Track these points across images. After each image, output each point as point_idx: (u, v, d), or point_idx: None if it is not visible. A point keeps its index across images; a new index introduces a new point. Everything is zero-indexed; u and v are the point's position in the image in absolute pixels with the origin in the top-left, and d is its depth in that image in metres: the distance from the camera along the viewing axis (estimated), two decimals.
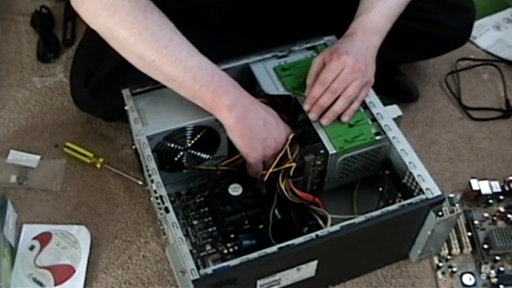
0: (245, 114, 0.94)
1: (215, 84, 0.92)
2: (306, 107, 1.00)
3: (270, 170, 0.97)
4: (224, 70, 1.05)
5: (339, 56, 0.98)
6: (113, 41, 0.91)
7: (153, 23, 0.89)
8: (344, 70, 0.97)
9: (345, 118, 1.00)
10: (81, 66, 1.16)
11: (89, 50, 1.15)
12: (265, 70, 1.07)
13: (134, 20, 0.88)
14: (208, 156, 1.06)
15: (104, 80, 1.11)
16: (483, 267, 1.07)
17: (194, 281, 0.83)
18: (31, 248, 1.07)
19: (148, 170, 0.95)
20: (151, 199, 1.10)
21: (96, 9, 0.88)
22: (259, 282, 0.91)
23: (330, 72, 0.98)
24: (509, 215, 1.12)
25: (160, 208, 0.92)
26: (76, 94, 1.18)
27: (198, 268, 0.84)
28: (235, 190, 1.00)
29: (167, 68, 0.91)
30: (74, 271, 1.04)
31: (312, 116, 1.00)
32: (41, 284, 1.03)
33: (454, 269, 1.07)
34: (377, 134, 1.00)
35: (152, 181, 0.94)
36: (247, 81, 1.07)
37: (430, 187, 0.94)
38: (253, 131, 0.95)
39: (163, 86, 1.02)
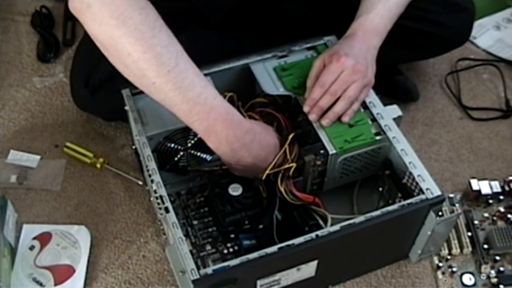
0: (232, 154, 0.92)
1: (209, 123, 0.88)
2: (306, 108, 1.00)
3: (268, 170, 0.97)
4: (224, 70, 1.06)
5: (338, 58, 0.97)
6: (114, 53, 0.85)
7: (160, 43, 0.83)
8: (344, 72, 0.97)
9: (345, 119, 1.00)
10: (81, 66, 1.16)
11: (89, 50, 1.15)
12: (265, 70, 1.07)
13: (141, 36, 0.82)
14: (208, 156, 1.06)
15: (104, 80, 1.11)
16: (483, 267, 1.07)
17: (194, 281, 0.83)
18: (31, 248, 1.07)
19: (148, 170, 0.95)
20: (151, 199, 1.10)
21: (104, 17, 0.81)
22: (259, 282, 0.91)
23: (330, 74, 0.98)
24: (509, 215, 1.12)
25: (160, 208, 0.92)
26: (76, 94, 1.18)
27: (198, 268, 0.84)
28: (235, 190, 1.00)
29: (165, 94, 0.86)
30: (74, 271, 1.04)
31: (312, 117, 0.99)
32: (41, 284, 1.03)
33: (454, 269, 1.07)
34: (377, 134, 1.00)
35: (152, 181, 0.94)
36: (247, 81, 1.07)
37: (430, 187, 0.94)
38: (241, 163, 0.94)
39: None
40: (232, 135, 0.90)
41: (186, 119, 0.89)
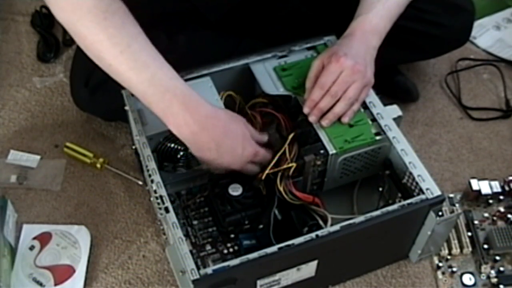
0: (193, 137, 0.91)
1: (165, 104, 0.88)
2: (305, 110, 1.00)
3: (268, 170, 0.97)
4: (224, 70, 1.06)
5: (338, 58, 0.97)
6: (76, 38, 0.88)
7: (112, 25, 0.86)
8: (343, 72, 0.97)
9: (345, 119, 1.00)
10: (81, 66, 1.16)
11: None
12: (265, 70, 1.07)
13: (94, 19, 0.85)
14: None
15: (104, 80, 1.11)
16: (483, 267, 1.07)
17: (194, 281, 0.83)
18: (31, 248, 1.07)
19: (148, 170, 0.95)
20: (151, 199, 1.10)
21: (61, 3, 0.85)
22: (259, 282, 0.91)
23: (329, 75, 0.98)
24: (509, 215, 1.12)
25: (160, 208, 0.92)
26: (76, 94, 1.18)
27: (198, 268, 0.84)
28: (235, 190, 1.00)
29: (122, 75, 0.88)
30: (74, 271, 1.04)
31: (312, 119, 0.99)
32: (41, 284, 1.03)
33: (454, 269, 1.07)
34: (377, 134, 1.00)
35: (152, 181, 0.94)
36: (247, 81, 1.07)
37: (430, 187, 0.94)
38: (203, 152, 0.93)
39: None
40: (189, 117, 0.89)
41: (144, 100, 0.90)
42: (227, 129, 0.93)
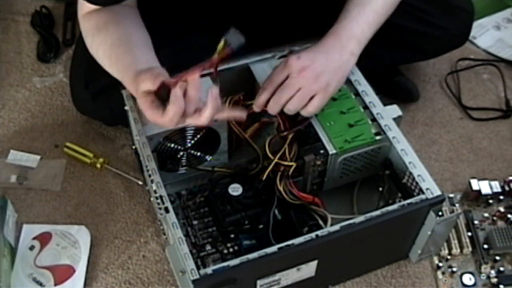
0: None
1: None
2: (255, 109, 0.96)
3: (268, 170, 0.97)
4: (224, 70, 1.05)
5: (286, 60, 0.93)
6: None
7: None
8: (290, 76, 0.92)
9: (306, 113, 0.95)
10: (80, 67, 1.16)
11: (87, 52, 1.15)
12: (265, 70, 1.07)
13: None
14: (208, 156, 1.06)
15: (106, 86, 1.11)
16: (483, 267, 1.07)
17: (194, 281, 0.83)
18: (31, 248, 1.07)
19: (148, 170, 0.95)
20: (151, 199, 1.10)
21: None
22: (259, 282, 0.91)
23: (274, 76, 0.94)
24: (509, 215, 1.12)
25: (160, 208, 0.92)
26: (76, 96, 1.18)
27: (198, 268, 0.84)
28: (235, 190, 1.00)
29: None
30: (74, 271, 1.04)
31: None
32: (41, 284, 1.03)
33: (454, 269, 1.07)
34: (377, 134, 1.00)
35: (152, 181, 0.94)
36: (247, 81, 1.07)
37: (430, 187, 0.94)
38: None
39: None
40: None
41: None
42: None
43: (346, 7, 0.99)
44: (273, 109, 0.95)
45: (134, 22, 0.97)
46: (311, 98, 0.94)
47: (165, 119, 0.82)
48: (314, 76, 0.93)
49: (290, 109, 0.95)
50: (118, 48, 0.92)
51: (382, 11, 1.00)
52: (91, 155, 1.19)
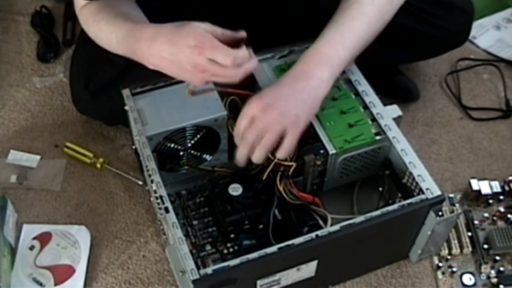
0: (157, 62, 0.89)
1: (129, 51, 0.94)
2: (240, 166, 0.94)
3: (268, 170, 0.97)
4: None
5: (249, 102, 0.90)
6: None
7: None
8: (255, 116, 0.89)
9: (278, 154, 0.92)
10: (80, 69, 1.17)
11: (86, 52, 1.16)
12: (265, 70, 1.07)
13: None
14: (208, 156, 1.06)
15: (105, 85, 1.11)
16: (483, 267, 1.07)
17: (194, 281, 0.83)
18: (31, 248, 1.07)
19: (148, 170, 0.95)
20: (151, 199, 1.10)
21: None
22: (259, 282, 0.91)
23: (240, 119, 0.91)
24: (509, 215, 1.12)
25: (160, 208, 0.92)
26: (76, 96, 1.18)
27: (198, 268, 0.84)
28: (235, 190, 1.00)
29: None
30: (74, 271, 1.04)
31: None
32: (41, 284, 1.03)
33: (454, 269, 1.07)
34: (377, 134, 1.00)
35: (152, 181, 0.94)
36: (247, 81, 1.07)
37: (430, 187, 0.94)
38: (172, 71, 0.89)
39: (163, 86, 1.02)
40: (141, 47, 0.90)
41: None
42: (174, 40, 0.86)
43: (325, 27, 0.95)
44: (256, 158, 0.91)
45: (132, 7, 0.99)
46: (283, 136, 0.90)
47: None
48: (281, 112, 0.89)
49: (258, 156, 0.91)
50: (120, 17, 0.95)
51: (361, 28, 0.94)
52: (91, 155, 1.19)
